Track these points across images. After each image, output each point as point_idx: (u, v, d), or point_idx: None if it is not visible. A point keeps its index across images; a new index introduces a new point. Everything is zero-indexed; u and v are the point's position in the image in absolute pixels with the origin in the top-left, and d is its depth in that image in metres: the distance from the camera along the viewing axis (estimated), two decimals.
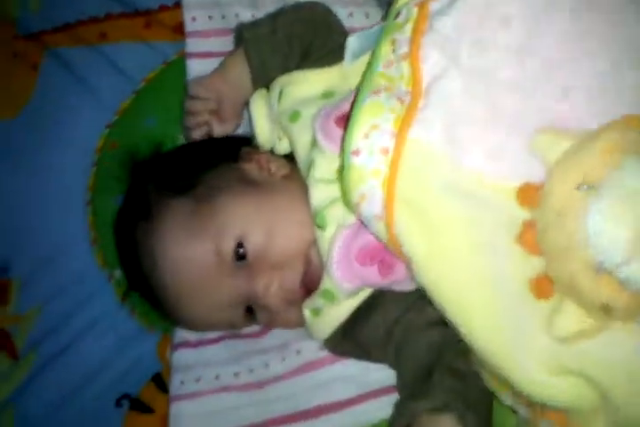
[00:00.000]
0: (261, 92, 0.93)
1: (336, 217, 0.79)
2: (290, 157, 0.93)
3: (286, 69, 0.92)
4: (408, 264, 0.70)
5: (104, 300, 1.08)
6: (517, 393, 0.67)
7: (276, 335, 0.95)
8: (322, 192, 0.80)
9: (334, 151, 0.79)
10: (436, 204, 0.66)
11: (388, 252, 0.77)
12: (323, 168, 0.80)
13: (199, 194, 0.87)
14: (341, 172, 0.70)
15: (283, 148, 0.93)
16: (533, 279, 0.63)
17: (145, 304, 1.02)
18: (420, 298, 0.80)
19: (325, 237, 0.80)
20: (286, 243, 0.83)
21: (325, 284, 0.81)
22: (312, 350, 0.91)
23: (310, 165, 0.81)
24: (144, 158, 0.99)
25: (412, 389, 0.76)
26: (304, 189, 0.85)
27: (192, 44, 1.10)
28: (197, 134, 0.99)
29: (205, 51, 1.09)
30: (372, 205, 0.69)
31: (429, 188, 0.66)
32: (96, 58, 1.19)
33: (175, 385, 0.95)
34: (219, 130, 0.98)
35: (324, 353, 0.90)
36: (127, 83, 1.17)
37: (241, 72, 0.95)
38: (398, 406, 0.76)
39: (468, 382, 0.74)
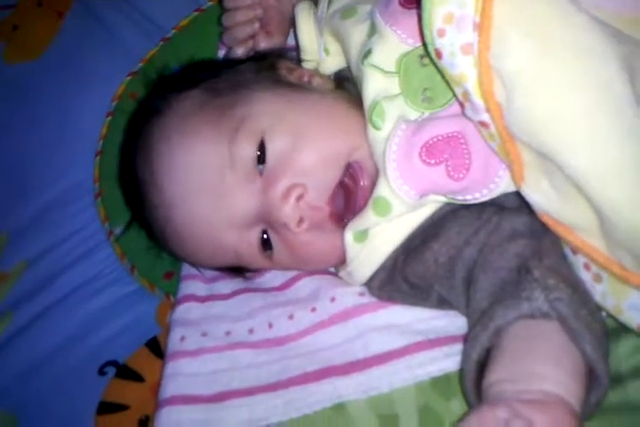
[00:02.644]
0: (307, 3, 0.81)
1: (395, 112, 0.64)
2: (337, 78, 0.80)
3: None
4: (504, 107, 0.53)
5: (101, 258, 0.95)
6: None
7: (304, 286, 0.76)
8: (378, 83, 0.66)
9: (398, 35, 0.66)
10: (553, 5, 0.51)
11: (457, 149, 0.61)
12: (381, 56, 0.66)
13: (219, 86, 0.73)
14: None
15: (329, 66, 0.79)
16: None
17: (145, 259, 0.86)
18: (495, 214, 0.63)
19: (381, 136, 0.64)
20: (318, 148, 0.67)
21: (380, 190, 0.64)
22: (350, 295, 0.72)
23: (366, 54, 0.67)
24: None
25: (497, 299, 0.57)
26: (352, 100, 0.71)
27: None
28: (241, 51, 0.86)
29: None
30: (461, 28, 0.53)
31: None
32: (126, 7, 1.12)
33: (174, 341, 0.76)
34: (266, 44, 0.85)
35: (366, 299, 0.71)
36: (156, 31, 1.09)
37: None
38: (474, 327, 0.57)
39: (579, 289, 0.56)
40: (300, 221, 0.67)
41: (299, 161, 0.67)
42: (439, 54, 0.55)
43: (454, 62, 0.55)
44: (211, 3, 1.07)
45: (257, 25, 0.85)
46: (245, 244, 0.71)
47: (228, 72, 0.77)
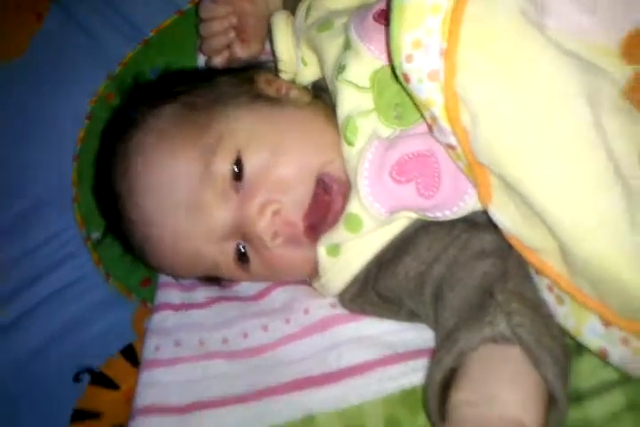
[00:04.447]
0: (284, 13, 0.81)
1: (368, 129, 0.65)
2: (314, 89, 0.80)
3: None
4: (470, 133, 0.54)
5: (78, 263, 0.95)
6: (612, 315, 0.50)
7: (278, 297, 0.77)
8: (352, 98, 0.66)
9: (371, 51, 0.66)
10: (519, 35, 0.51)
11: (427, 167, 0.62)
12: (355, 72, 0.66)
13: (196, 101, 0.73)
14: (389, 13, 0.54)
15: (307, 76, 0.79)
16: None
17: (122, 266, 0.86)
18: (465, 231, 0.64)
19: (354, 152, 0.65)
20: (293, 163, 0.68)
21: (351, 207, 0.65)
22: (323, 308, 0.73)
23: (340, 69, 0.67)
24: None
25: (461, 321, 0.58)
26: (328, 114, 0.72)
27: None
28: (218, 61, 0.86)
29: None
30: (428, 55, 0.54)
31: (511, 18, 0.51)
32: (105, 9, 1.11)
33: (149, 350, 0.77)
34: (242, 52, 0.85)
35: (338, 310, 0.72)
36: (135, 33, 1.08)
37: None
38: (440, 348, 0.58)
39: (541, 312, 0.57)
40: (275, 235, 0.68)
41: (274, 177, 0.68)
42: (407, 79, 0.56)
43: (422, 88, 0.55)
44: (190, 5, 1.06)
45: (232, 34, 0.85)
46: (223, 256, 0.71)
47: (204, 86, 0.76)
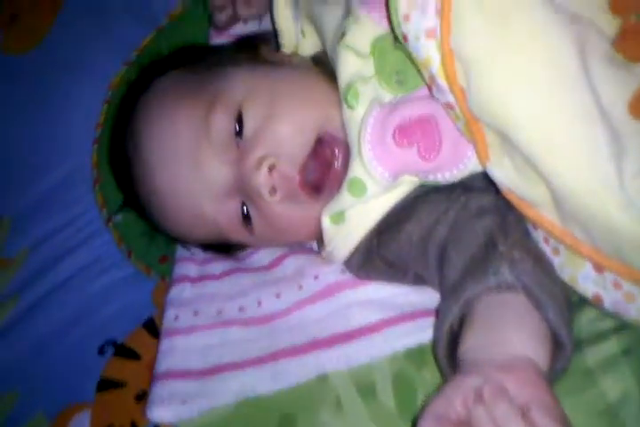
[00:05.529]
0: None
1: (369, 94, 0.66)
2: (314, 61, 0.82)
3: None
4: (466, 90, 0.55)
5: (99, 244, 0.98)
6: (604, 259, 0.52)
7: (289, 265, 0.79)
8: (353, 64, 0.67)
9: (372, 17, 0.67)
10: None
11: (428, 130, 0.64)
12: (356, 38, 0.67)
13: (199, 65, 0.77)
14: None
15: (306, 47, 0.80)
16: (635, 96, 0.49)
17: (141, 244, 0.91)
18: (463, 194, 0.65)
19: (355, 116, 0.66)
20: (292, 118, 0.69)
21: (354, 171, 0.67)
22: (332, 273, 0.75)
23: (341, 35, 0.69)
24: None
25: (466, 273, 0.59)
26: (327, 79, 0.73)
27: None
28: (221, 18, 0.90)
29: None
30: (424, 14, 0.55)
31: None
32: None
33: (168, 320, 0.80)
34: (244, 11, 0.88)
35: (347, 276, 0.74)
36: (150, 19, 1.10)
37: None
38: (445, 299, 0.60)
39: (542, 261, 0.58)
40: (273, 189, 0.69)
41: (273, 132, 0.70)
42: (405, 38, 0.58)
43: (419, 46, 0.57)
44: None
45: None
46: (225, 215, 0.73)
47: (210, 53, 0.79)
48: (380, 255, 0.70)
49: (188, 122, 0.71)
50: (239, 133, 0.70)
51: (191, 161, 0.71)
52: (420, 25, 0.56)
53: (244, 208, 0.73)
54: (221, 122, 0.70)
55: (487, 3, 0.53)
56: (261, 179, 0.68)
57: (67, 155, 1.05)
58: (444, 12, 0.54)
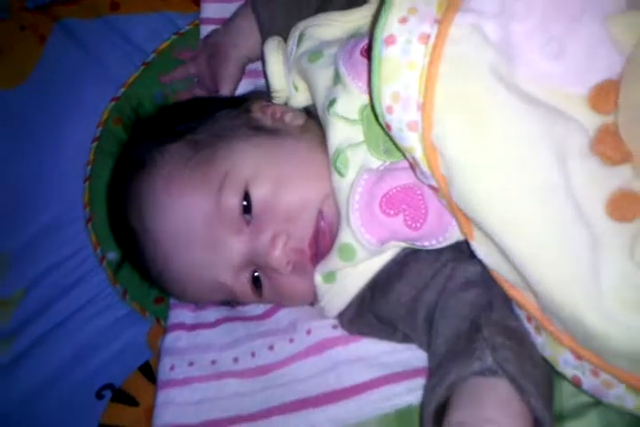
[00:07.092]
0: (275, 40, 0.84)
1: (358, 160, 0.68)
2: (306, 111, 0.83)
3: (300, 18, 0.83)
4: (448, 181, 0.57)
5: (94, 283, 0.99)
6: (582, 350, 0.54)
7: (283, 317, 0.81)
8: (342, 131, 0.69)
9: (359, 87, 0.69)
10: (486, 92, 0.54)
11: (414, 200, 0.65)
12: (345, 106, 0.70)
13: (200, 139, 0.77)
14: (370, 67, 0.57)
15: (299, 101, 0.82)
16: (613, 197, 0.51)
17: (136, 284, 0.91)
18: (451, 260, 0.67)
19: (344, 183, 0.68)
20: (297, 194, 0.72)
21: (344, 237, 0.69)
22: (324, 328, 0.77)
23: (331, 103, 0.70)
24: (146, 115, 0.89)
25: (452, 352, 0.62)
26: (321, 141, 0.75)
27: (207, 10, 1.04)
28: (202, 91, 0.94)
29: (220, 17, 1.01)
30: (407, 108, 0.57)
31: (479, 77, 0.54)
32: (106, 29, 1.13)
33: (164, 370, 0.82)
34: (213, 88, 0.93)
35: (339, 332, 0.76)
36: (137, 54, 1.11)
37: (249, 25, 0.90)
38: (433, 376, 0.62)
39: (524, 342, 0.61)
40: (287, 264, 0.72)
41: (281, 208, 0.72)
42: (389, 127, 0.59)
43: (403, 136, 0.58)
44: (189, 27, 1.09)
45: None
46: (240, 285, 0.76)
47: (204, 122, 0.80)
48: (372, 311, 0.72)
49: (198, 208, 0.73)
50: (247, 210, 0.72)
51: (206, 244, 0.73)
52: (402, 117, 0.57)
53: (256, 275, 0.76)
54: (231, 201, 0.72)
55: (464, 104, 0.55)
56: (278, 255, 0.71)
57: (58, 193, 1.05)
58: (425, 108, 0.55)
